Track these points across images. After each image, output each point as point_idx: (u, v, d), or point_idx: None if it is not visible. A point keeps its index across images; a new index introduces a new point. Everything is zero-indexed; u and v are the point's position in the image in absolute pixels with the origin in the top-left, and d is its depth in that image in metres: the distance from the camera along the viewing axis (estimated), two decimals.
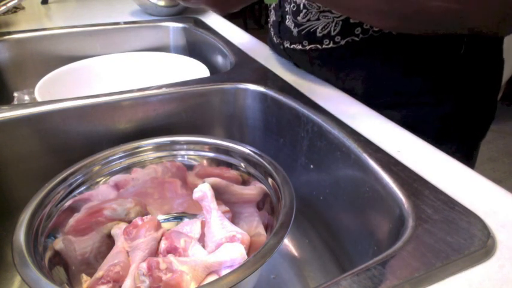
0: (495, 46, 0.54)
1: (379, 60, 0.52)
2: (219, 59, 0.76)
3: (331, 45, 0.53)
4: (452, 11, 0.37)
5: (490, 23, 0.39)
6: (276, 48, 0.66)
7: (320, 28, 0.53)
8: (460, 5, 0.37)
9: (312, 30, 0.54)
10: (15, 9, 0.95)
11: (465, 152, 0.57)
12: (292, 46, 0.58)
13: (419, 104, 0.53)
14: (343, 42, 0.52)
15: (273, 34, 0.64)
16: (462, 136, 0.56)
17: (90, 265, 0.40)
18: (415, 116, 0.53)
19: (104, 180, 0.43)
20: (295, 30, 0.56)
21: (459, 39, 0.50)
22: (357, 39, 0.51)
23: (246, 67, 0.62)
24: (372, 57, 0.52)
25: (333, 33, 0.52)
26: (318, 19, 0.53)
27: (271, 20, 0.64)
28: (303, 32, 0.55)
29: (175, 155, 0.46)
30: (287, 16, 0.58)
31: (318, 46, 0.54)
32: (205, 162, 0.46)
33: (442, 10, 0.37)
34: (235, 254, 0.38)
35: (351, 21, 0.50)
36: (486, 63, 0.54)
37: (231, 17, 0.84)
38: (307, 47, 0.55)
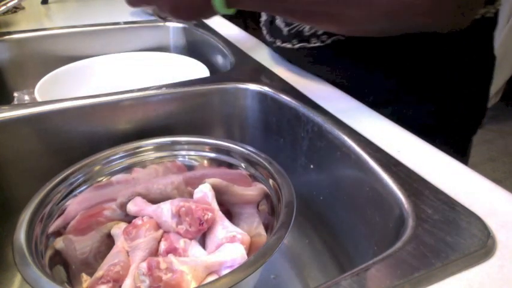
0: (486, 43, 0.54)
1: (364, 59, 0.52)
2: (219, 59, 0.76)
3: (318, 44, 0.53)
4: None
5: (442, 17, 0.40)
6: (270, 47, 0.66)
7: (308, 27, 0.53)
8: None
9: (300, 29, 0.54)
10: (15, 9, 0.95)
11: (457, 148, 0.57)
12: (283, 45, 0.59)
13: (408, 101, 0.53)
14: (329, 41, 0.52)
15: (265, 33, 0.65)
16: (453, 132, 0.56)
17: (90, 265, 0.40)
18: (403, 113, 0.53)
19: (104, 180, 0.43)
20: (285, 30, 0.57)
21: (445, 39, 0.50)
22: (342, 38, 0.51)
23: (246, 67, 0.62)
24: (357, 56, 0.53)
25: (319, 33, 0.53)
26: None
27: (263, 19, 0.65)
28: (293, 30, 0.56)
29: (176, 155, 0.46)
30: (277, 16, 0.58)
31: (306, 45, 0.55)
32: (205, 162, 0.46)
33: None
34: (235, 254, 0.38)
35: None
36: (477, 60, 0.54)
37: (231, 17, 0.85)
38: (296, 46, 0.56)
